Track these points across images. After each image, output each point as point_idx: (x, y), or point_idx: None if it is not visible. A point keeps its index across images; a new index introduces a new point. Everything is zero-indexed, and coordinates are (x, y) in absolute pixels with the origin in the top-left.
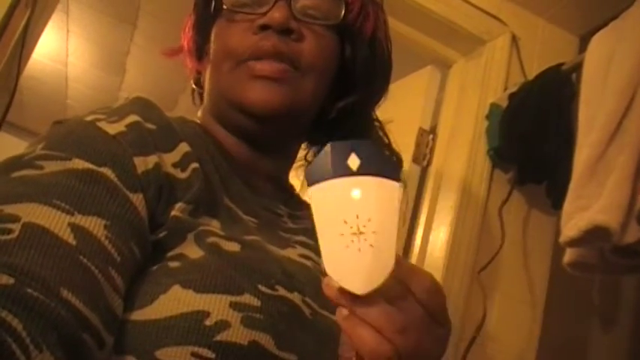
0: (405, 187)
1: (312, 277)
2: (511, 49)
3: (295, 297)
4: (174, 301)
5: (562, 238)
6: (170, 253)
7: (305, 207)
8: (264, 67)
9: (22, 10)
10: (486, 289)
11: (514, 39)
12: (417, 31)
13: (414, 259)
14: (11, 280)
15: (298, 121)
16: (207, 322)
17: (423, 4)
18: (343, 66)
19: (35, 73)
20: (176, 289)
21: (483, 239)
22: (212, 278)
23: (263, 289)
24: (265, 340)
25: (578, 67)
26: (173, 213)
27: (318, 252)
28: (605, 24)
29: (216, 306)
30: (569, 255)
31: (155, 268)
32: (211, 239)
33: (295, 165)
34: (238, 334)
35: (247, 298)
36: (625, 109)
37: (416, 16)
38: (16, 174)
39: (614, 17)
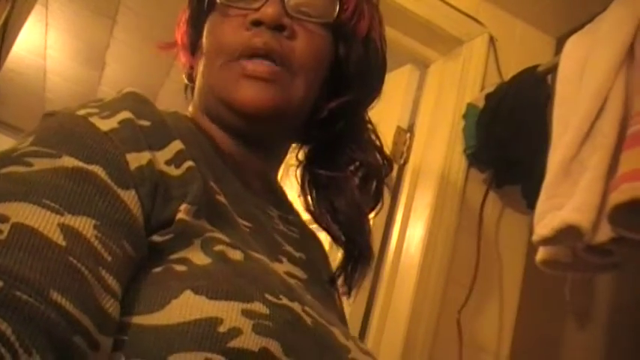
0: (389, 189)
1: (303, 292)
2: (488, 49)
3: (296, 306)
4: (187, 306)
5: (535, 237)
6: (174, 256)
7: (295, 212)
8: (255, 67)
9: (1, 4)
10: (462, 285)
11: (491, 40)
12: (396, 30)
13: (390, 256)
14: (0, 283)
15: (288, 120)
16: (221, 329)
17: (403, 4)
18: (337, 65)
19: (13, 66)
20: (188, 295)
21: (459, 237)
22: (222, 285)
23: (270, 297)
24: (274, 347)
25: (554, 69)
26: (180, 216)
27: (301, 266)
28: (582, 26)
29: (229, 313)
30: (542, 253)
31: (159, 270)
32: (218, 247)
33: (286, 164)
34: (250, 341)
35: (257, 306)
36: (598, 110)
37: (395, 16)
38: (4, 170)
39: (591, 20)
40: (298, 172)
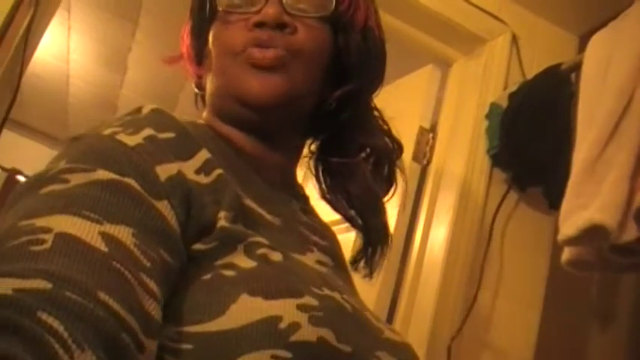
0: (405, 183)
1: (335, 279)
2: (511, 48)
3: (337, 295)
4: (247, 309)
5: (560, 237)
6: (219, 262)
7: (310, 204)
8: (263, 54)
9: (25, 8)
10: (485, 287)
11: (514, 38)
12: (417, 30)
13: (413, 257)
14: (49, 285)
15: (296, 110)
16: (281, 326)
17: (424, 3)
18: (338, 56)
19: (36, 70)
20: (245, 298)
21: (482, 238)
22: (274, 285)
23: (315, 290)
24: (328, 335)
25: (577, 67)
26: (221, 224)
27: (327, 253)
28: (605, 24)
29: (286, 309)
30: (567, 253)
31: (208, 277)
32: (261, 250)
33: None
34: (308, 333)
35: (308, 299)
36: (623, 109)
37: (417, 15)
38: (43, 190)
39: (614, 17)
40: (312, 163)
